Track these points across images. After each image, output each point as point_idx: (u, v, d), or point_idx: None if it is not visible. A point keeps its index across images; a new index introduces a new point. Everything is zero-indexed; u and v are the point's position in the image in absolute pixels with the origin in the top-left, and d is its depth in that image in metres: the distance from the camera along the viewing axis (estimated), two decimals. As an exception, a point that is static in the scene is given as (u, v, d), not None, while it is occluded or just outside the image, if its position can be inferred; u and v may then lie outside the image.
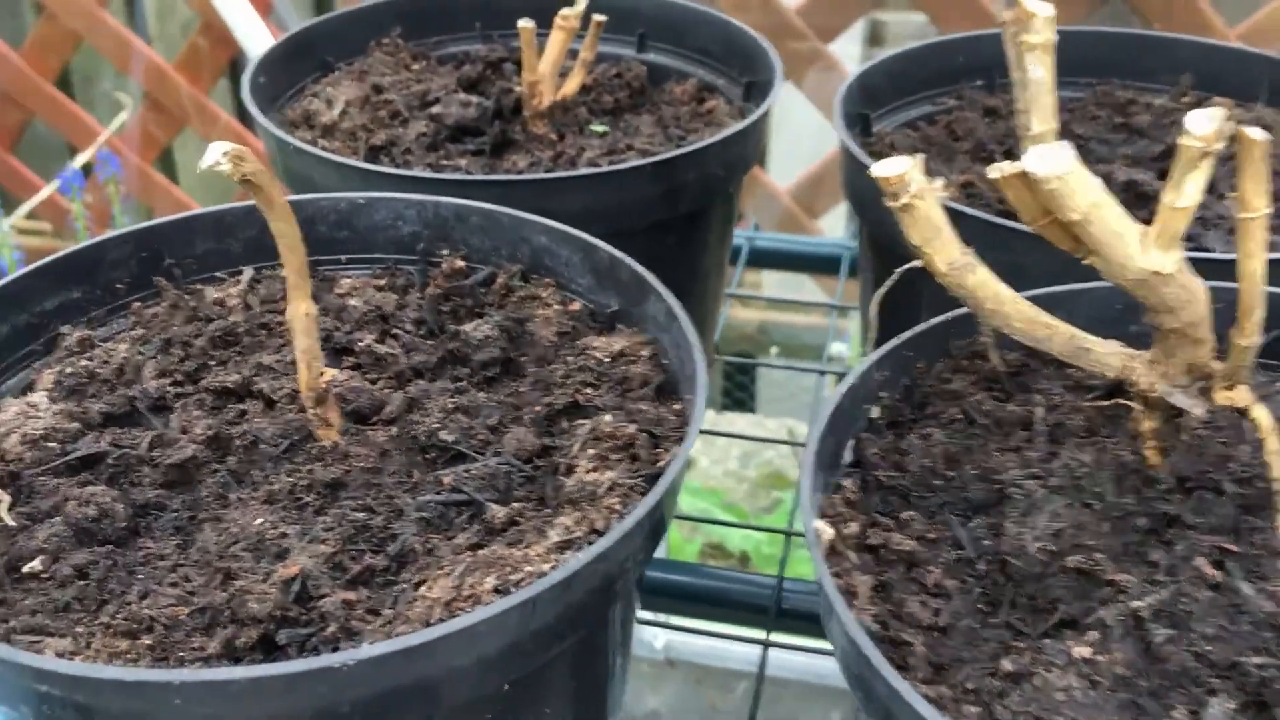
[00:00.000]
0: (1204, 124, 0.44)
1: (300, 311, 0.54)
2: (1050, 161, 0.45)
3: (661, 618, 0.93)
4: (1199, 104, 0.87)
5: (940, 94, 0.92)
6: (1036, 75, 0.60)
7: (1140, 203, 0.73)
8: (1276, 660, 0.47)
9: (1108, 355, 0.52)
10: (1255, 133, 0.44)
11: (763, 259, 1.08)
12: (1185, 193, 0.45)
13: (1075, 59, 0.91)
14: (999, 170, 0.47)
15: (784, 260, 1.10)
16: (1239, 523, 0.52)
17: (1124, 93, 0.88)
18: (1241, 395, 0.52)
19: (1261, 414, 0.52)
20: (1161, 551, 0.51)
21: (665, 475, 0.50)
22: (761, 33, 1.55)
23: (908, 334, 0.60)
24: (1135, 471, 0.54)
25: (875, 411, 0.59)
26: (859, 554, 0.52)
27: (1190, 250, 0.72)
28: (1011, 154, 0.81)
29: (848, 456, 0.57)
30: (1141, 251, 0.47)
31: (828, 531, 0.48)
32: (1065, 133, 0.82)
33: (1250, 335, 0.49)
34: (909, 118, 0.91)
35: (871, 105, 0.88)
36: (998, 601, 0.51)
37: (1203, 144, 0.45)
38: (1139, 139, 0.83)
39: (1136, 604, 0.48)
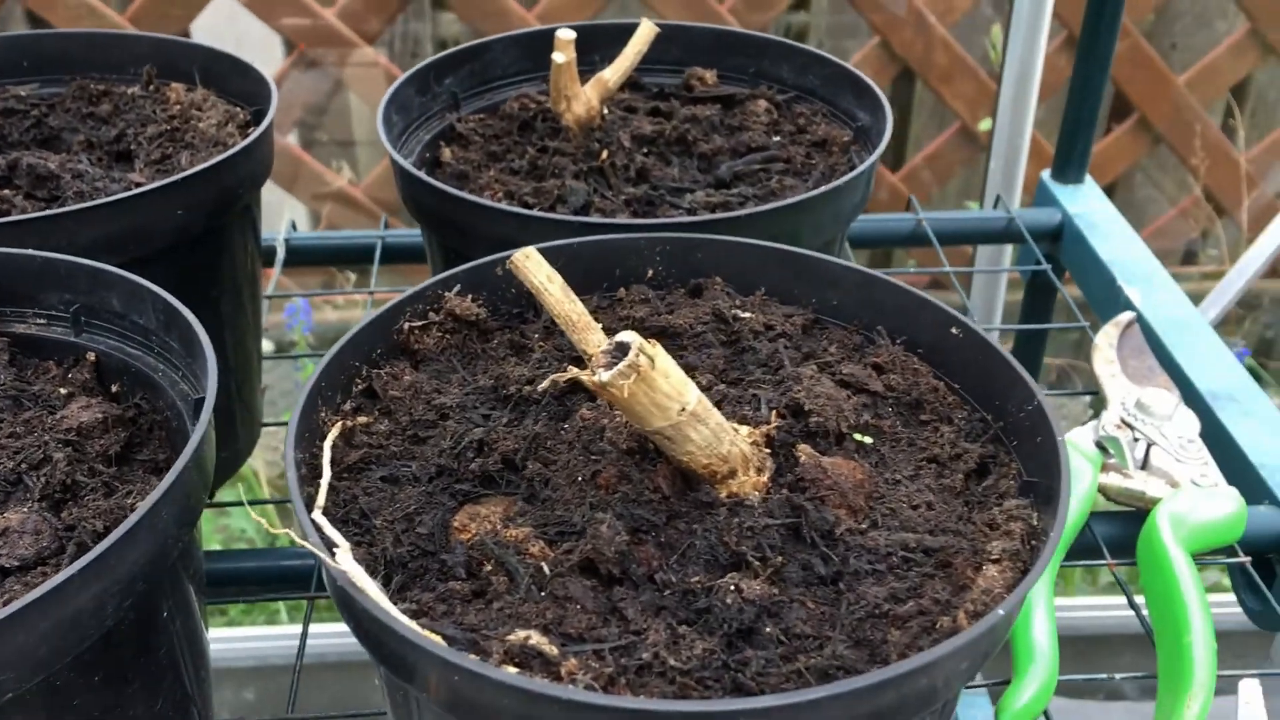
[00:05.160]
0: None
1: None
2: None
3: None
4: (159, 90, 0.87)
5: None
6: None
7: (41, 184, 0.74)
8: None
9: None
10: None
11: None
12: None
13: (52, 58, 0.89)
14: None
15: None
16: None
17: (99, 85, 0.88)
18: None
19: None
20: None
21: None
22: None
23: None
24: None
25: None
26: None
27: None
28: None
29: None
30: None
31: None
32: (40, 124, 0.84)
33: None
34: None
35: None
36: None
37: None
38: (103, 125, 0.84)
39: None
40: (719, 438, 0.48)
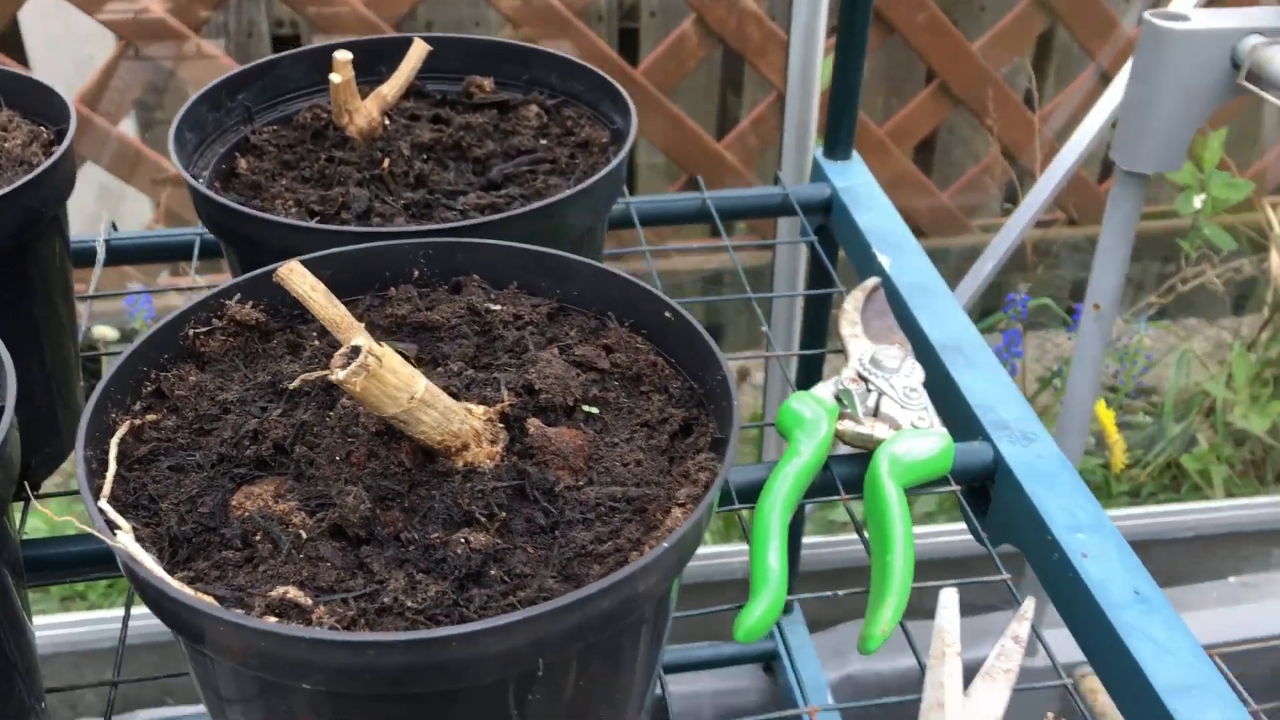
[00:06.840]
0: None
1: None
2: None
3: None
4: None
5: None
6: None
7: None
8: None
9: None
10: None
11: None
12: None
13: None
14: None
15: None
16: None
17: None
18: None
19: None
20: None
21: None
22: None
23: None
24: None
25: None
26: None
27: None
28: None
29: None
30: None
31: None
32: None
33: None
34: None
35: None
36: None
37: None
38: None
39: None
40: (448, 418, 0.57)
